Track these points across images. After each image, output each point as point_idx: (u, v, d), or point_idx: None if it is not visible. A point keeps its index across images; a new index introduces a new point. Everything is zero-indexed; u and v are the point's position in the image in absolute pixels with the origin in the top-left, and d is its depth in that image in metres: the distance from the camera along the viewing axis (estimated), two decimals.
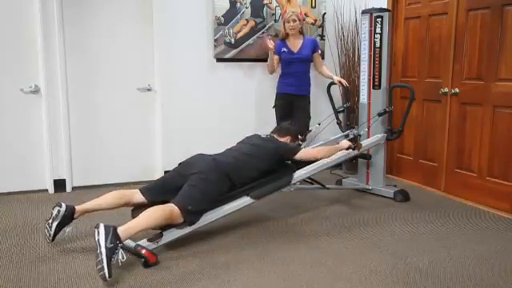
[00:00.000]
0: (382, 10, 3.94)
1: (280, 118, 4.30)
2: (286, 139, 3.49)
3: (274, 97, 4.38)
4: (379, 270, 2.61)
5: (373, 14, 3.91)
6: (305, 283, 2.45)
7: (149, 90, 4.37)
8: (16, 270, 2.58)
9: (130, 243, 2.70)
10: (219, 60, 4.53)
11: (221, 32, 4.46)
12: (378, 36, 3.91)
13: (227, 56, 4.52)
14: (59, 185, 4.15)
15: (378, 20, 3.89)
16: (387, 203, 3.84)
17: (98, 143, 4.28)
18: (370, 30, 3.93)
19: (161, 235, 2.75)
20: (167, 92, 4.39)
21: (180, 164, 3.14)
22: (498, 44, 3.58)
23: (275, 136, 3.51)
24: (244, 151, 3.22)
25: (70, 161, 4.19)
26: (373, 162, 4.06)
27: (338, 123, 4.27)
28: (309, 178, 3.57)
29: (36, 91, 4.02)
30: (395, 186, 4.08)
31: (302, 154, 3.35)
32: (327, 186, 3.72)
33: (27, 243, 2.97)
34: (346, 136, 4.15)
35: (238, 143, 3.42)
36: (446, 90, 4.04)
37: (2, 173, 4.02)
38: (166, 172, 4.35)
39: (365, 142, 3.86)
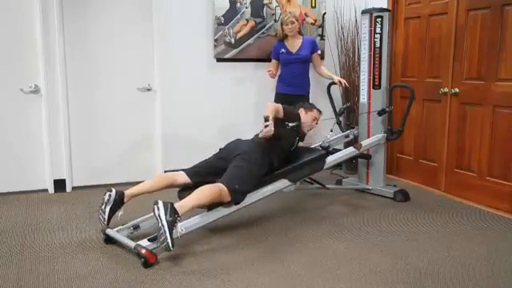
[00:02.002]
0: (382, 9, 3.94)
1: None
2: (299, 111, 3.57)
3: (274, 97, 4.38)
4: (379, 269, 2.61)
5: (373, 14, 3.91)
6: (305, 283, 2.45)
7: (149, 90, 4.37)
8: (16, 270, 2.58)
9: (130, 243, 2.71)
10: (219, 60, 4.53)
11: (221, 32, 4.46)
12: (378, 36, 3.91)
13: (227, 56, 4.52)
14: (59, 185, 4.15)
15: (378, 20, 3.89)
16: (387, 203, 3.84)
17: (98, 143, 4.28)
18: (370, 30, 3.93)
19: None
20: (167, 92, 4.39)
21: (220, 149, 3.31)
22: (497, 44, 3.58)
23: None
24: None
25: (70, 161, 4.19)
26: (373, 162, 4.06)
27: (338, 123, 4.27)
28: (309, 177, 3.58)
29: (36, 91, 4.02)
30: (395, 186, 4.08)
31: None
32: (327, 185, 3.73)
33: (27, 243, 2.97)
34: (346, 136, 4.17)
35: None
36: (446, 89, 4.04)
37: (2, 173, 4.02)
38: (165, 172, 4.35)
39: (365, 142, 3.86)
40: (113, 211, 2.95)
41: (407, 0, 4.43)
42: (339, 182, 4.33)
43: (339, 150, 3.77)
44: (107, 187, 3.01)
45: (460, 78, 3.92)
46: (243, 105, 4.69)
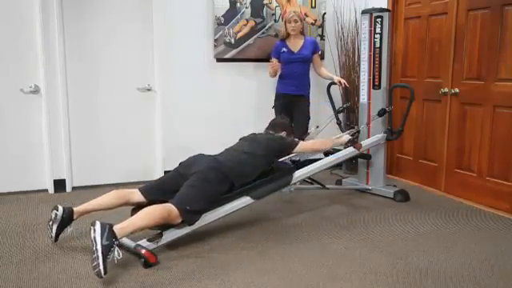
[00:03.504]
0: (382, 10, 3.94)
1: None
2: (282, 134, 3.49)
3: (274, 97, 4.38)
4: (379, 269, 2.61)
5: (373, 14, 3.91)
6: (305, 283, 2.45)
7: (149, 90, 4.37)
8: (16, 270, 2.58)
9: (130, 243, 2.70)
10: (219, 60, 4.53)
11: (221, 32, 4.46)
12: (377, 36, 3.91)
13: (227, 56, 4.52)
14: (59, 185, 4.15)
15: (378, 20, 3.89)
16: (387, 203, 3.84)
17: (98, 143, 4.28)
18: (370, 30, 3.93)
19: (161, 235, 2.75)
20: (167, 92, 4.39)
21: (180, 164, 3.14)
22: (497, 44, 3.58)
23: (271, 132, 3.52)
24: (244, 150, 3.21)
25: (70, 161, 4.19)
26: (373, 162, 4.06)
27: (337, 123, 4.27)
28: (309, 177, 3.57)
29: (36, 91, 4.02)
30: (395, 186, 4.08)
31: (299, 148, 3.38)
32: (327, 185, 3.73)
33: (27, 243, 2.97)
34: None
35: (236, 143, 3.42)
36: (446, 89, 4.04)
37: (2, 173, 4.02)
38: (165, 172, 4.35)
39: (365, 142, 3.86)
40: (60, 229, 2.85)
41: (407, 0, 4.43)
42: (339, 182, 4.33)
43: (339, 150, 3.78)
44: (54, 206, 2.87)
45: (460, 78, 3.92)
46: (243, 105, 4.68)
